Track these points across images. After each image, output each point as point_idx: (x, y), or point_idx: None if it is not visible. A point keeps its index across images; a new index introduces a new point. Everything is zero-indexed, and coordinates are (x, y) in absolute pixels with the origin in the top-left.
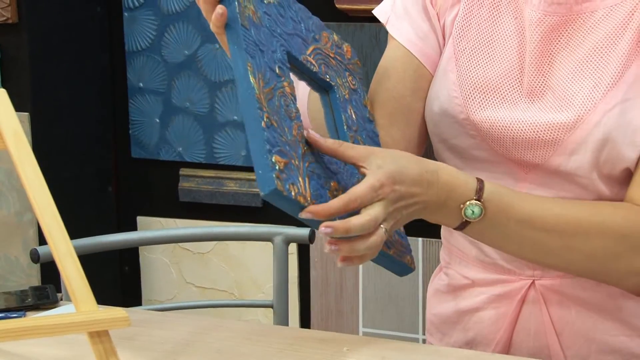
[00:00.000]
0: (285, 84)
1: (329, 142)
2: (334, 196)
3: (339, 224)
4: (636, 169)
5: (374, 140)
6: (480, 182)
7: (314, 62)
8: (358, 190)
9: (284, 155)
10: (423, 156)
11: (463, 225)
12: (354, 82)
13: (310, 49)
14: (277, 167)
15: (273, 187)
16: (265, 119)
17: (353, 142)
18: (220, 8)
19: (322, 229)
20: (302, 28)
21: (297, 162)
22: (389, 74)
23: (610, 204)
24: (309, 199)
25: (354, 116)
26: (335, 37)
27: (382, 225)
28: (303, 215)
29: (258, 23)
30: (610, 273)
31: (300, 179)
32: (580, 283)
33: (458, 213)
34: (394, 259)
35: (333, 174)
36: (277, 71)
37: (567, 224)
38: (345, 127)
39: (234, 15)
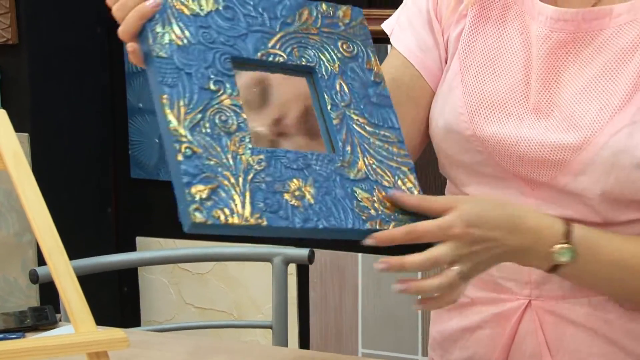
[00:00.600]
0: (223, 97)
1: (412, 200)
2: (295, 197)
3: (393, 259)
4: None
5: (380, 103)
6: (568, 224)
7: (280, 52)
8: (425, 224)
9: (209, 181)
10: (428, 169)
11: (555, 269)
12: (349, 49)
13: (276, 38)
14: (196, 199)
15: (190, 222)
16: (183, 150)
17: (341, 121)
18: (130, 46)
19: (378, 264)
20: (264, 20)
21: (232, 180)
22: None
23: None
24: (247, 215)
25: (345, 88)
26: (324, 6)
27: (455, 268)
28: (369, 242)
29: (185, 44)
30: None
31: (236, 197)
32: (575, 306)
33: (548, 257)
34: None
35: (298, 171)
36: (212, 87)
37: None
38: (329, 107)
39: (147, 49)
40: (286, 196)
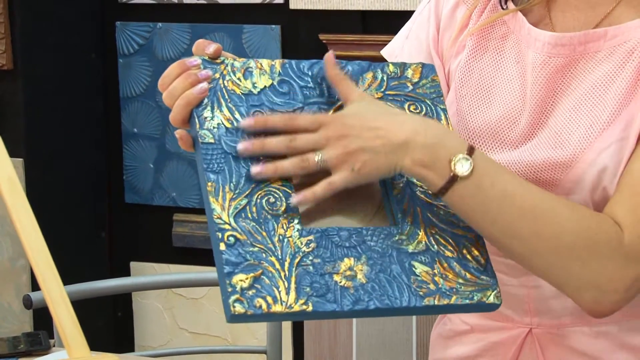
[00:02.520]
0: (273, 178)
1: (333, 71)
2: (346, 277)
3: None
4: (617, 186)
5: None
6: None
7: None
8: (303, 115)
9: (252, 268)
10: None
11: (448, 184)
12: (417, 110)
13: (334, 108)
14: (237, 288)
15: (230, 314)
16: (225, 239)
17: (402, 191)
18: (177, 133)
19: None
20: (322, 90)
21: (277, 266)
22: None
23: (591, 211)
24: (291, 302)
25: None
26: (391, 68)
27: (316, 153)
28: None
29: (234, 126)
30: (570, 278)
31: (280, 283)
32: (577, 334)
33: (447, 166)
34: (461, 305)
35: (350, 249)
36: None
37: (545, 211)
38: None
39: (195, 135)
40: (336, 277)
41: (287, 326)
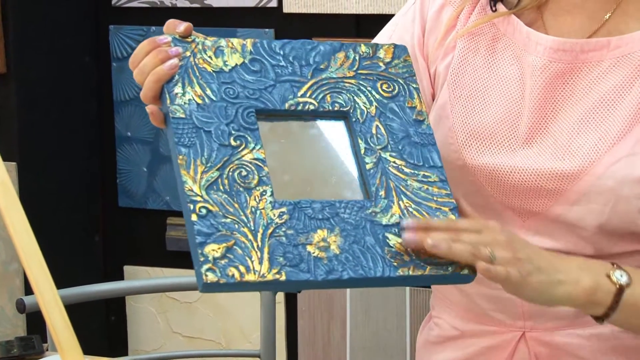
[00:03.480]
0: (244, 152)
1: (441, 226)
2: (319, 248)
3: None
4: None
5: (422, 142)
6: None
7: (310, 100)
8: (465, 220)
9: (224, 239)
10: None
11: (617, 297)
12: (390, 88)
13: (307, 86)
14: (209, 258)
15: (202, 283)
16: (197, 211)
17: (375, 165)
18: (148, 108)
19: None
20: (294, 69)
21: (250, 237)
22: None
23: None
24: (264, 271)
25: (383, 130)
26: (363, 48)
27: (489, 250)
28: (406, 223)
29: (205, 102)
30: None
31: (253, 253)
32: (571, 337)
33: (607, 281)
34: (435, 276)
35: (324, 221)
36: (232, 142)
37: None
38: (363, 151)
39: (166, 111)
40: (309, 248)
41: (280, 329)
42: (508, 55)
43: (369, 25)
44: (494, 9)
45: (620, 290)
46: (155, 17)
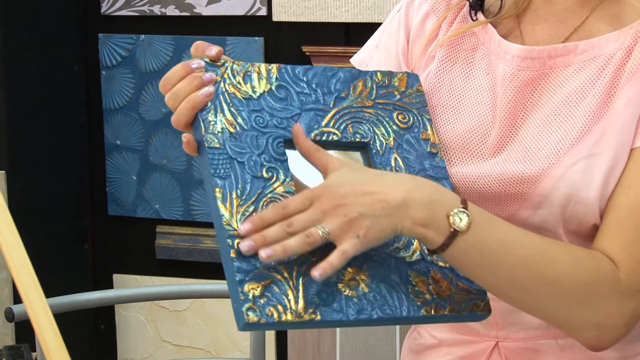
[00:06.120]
0: (276, 184)
1: (305, 144)
2: (349, 287)
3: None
4: (604, 220)
5: (436, 175)
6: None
7: (334, 130)
8: (291, 198)
9: (261, 277)
10: None
11: (449, 240)
12: (405, 119)
13: (330, 115)
14: (249, 297)
15: (243, 322)
16: (236, 247)
17: None
18: (184, 137)
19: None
20: (317, 97)
21: (285, 274)
22: None
23: (587, 251)
24: (301, 310)
25: (401, 163)
26: (379, 76)
27: (318, 227)
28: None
29: (237, 131)
30: (572, 321)
31: (289, 291)
32: (543, 347)
33: (445, 222)
34: (455, 316)
35: (352, 258)
36: (264, 174)
37: (543, 258)
38: None
39: (200, 139)
40: (340, 286)
41: (270, 338)
42: (484, 65)
43: (358, 33)
44: (474, 18)
45: (454, 234)
46: (145, 26)
